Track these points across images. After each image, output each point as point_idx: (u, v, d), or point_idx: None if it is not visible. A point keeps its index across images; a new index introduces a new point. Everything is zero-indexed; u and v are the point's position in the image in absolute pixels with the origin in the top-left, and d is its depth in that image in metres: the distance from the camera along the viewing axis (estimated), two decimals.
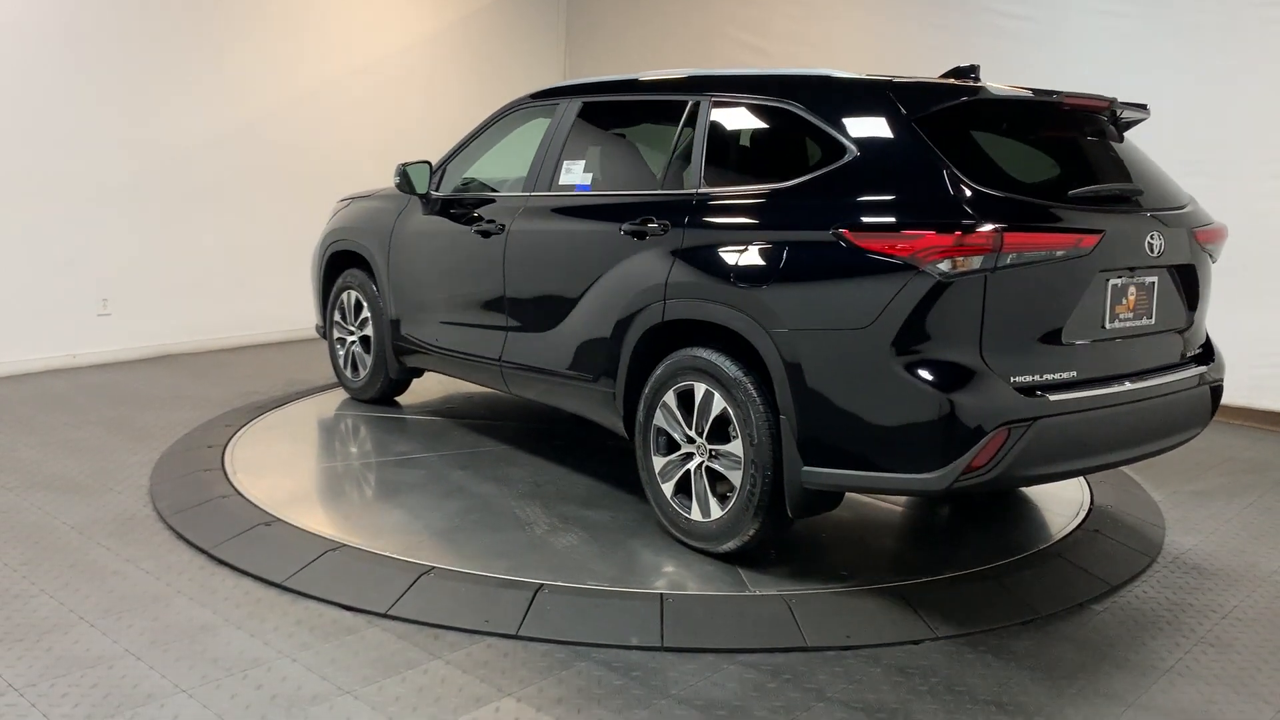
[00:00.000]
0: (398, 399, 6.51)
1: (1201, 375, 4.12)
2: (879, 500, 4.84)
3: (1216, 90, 6.73)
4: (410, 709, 3.02)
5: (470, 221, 5.34)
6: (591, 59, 10.32)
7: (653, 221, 4.30)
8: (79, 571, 3.92)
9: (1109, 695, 3.23)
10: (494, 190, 5.51)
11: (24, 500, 4.68)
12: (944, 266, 3.39)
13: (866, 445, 3.63)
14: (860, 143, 3.77)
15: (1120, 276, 3.74)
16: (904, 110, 3.72)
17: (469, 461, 5.35)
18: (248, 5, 8.20)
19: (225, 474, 4.95)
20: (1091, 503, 4.91)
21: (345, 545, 4.09)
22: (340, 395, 6.69)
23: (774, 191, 3.96)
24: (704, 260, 4.08)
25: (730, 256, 3.97)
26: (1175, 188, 4.24)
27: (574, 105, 5.03)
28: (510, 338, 5.14)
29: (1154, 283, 3.89)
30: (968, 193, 3.50)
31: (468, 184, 5.66)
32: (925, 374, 3.47)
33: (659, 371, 4.24)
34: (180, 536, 4.27)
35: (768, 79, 4.27)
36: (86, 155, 7.36)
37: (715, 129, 4.30)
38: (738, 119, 4.29)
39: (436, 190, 5.73)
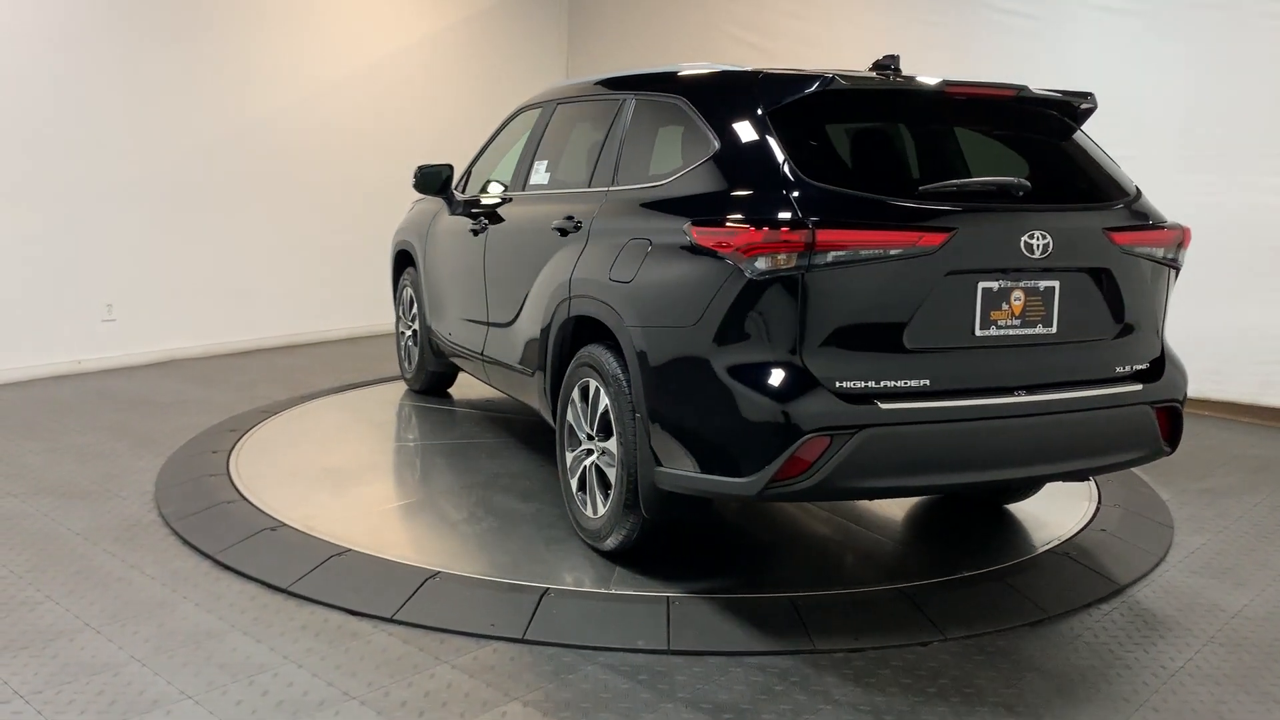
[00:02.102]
0: (450, 391, 6.77)
1: (1138, 394, 3.74)
2: (884, 501, 4.83)
3: (1219, 87, 6.71)
4: (417, 714, 3.01)
5: (473, 220, 5.56)
6: (593, 60, 10.32)
7: (571, 219, 4.39)
8: (84, 578, 3.92)
9: (1118, 696, 3.21)
10: (499, 191, 5.63)
11: (29, 506, 4.68)
12: (760, 264, 3.29)
13: (697, 446, 3.56)
14: (722, 137, 3.74)
15: (995, 279, 3.46)
16: (760, 103, 3.64)
17: (455, 451, 5.47)
18: (250, 9, 8.20)
19: (230, 479, 4.94)
20: (1099, 502, 4.89)
21: (351, 550, 4.09)
22: (345, 397, 6.74)
23: (656, 187, 3.98)
24: (596, 256, 4.12)
25: (612, 252, 3.99)
26: (1110, 185, 3.90)
27: (551, 106, 5.21)
28: (489, 332, 5.33)
29: (1053, 288, 3.57)
30: (799, 188, 3.39)
31: (487, 185, 5.78)
32: (738, 374, 3.38)
33: (570, 366, 4.28)
34: (186, 542, 4.27)
35: (668, 76, 4.28)
36: (89, 160, 7.36)
37: (630, 127, 4.35)
38: (647, 116, 4.31)
39: (462, 192, 5.94)
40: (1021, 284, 3.52)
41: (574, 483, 4.24)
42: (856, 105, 3.83)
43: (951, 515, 4.78)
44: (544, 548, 4.22)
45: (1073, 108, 4.02)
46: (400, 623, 3.58)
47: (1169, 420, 3.86)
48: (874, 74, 3.89)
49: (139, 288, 7.73)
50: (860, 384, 3.34)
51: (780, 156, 3.48)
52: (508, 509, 4.64)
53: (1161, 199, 7.06)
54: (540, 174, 5.10)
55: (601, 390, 3.99)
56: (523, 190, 5.18)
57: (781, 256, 3.26)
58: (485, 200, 5.57)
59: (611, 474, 3.95)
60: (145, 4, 7.56)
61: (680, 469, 3.59)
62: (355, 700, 3.08)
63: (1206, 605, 3.92)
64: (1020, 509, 4.71)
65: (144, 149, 7.66)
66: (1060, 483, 4.36)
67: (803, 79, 3.65)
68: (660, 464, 3.66)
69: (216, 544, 4.20)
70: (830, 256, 3.26)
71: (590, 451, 4.13)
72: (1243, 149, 6.64)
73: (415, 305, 6.54)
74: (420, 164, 6.03)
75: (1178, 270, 3.93)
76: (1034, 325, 3.56)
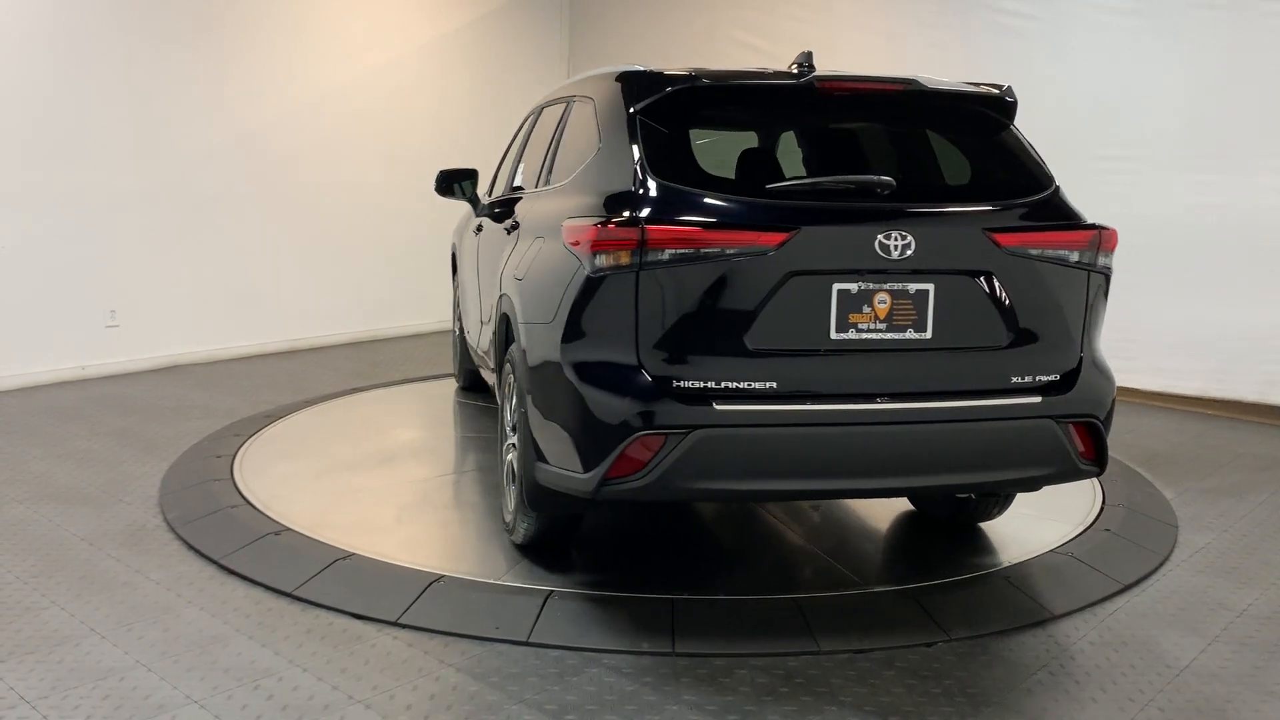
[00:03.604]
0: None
1: (1036, 406, 3.50)
2: (888, 502, 4.83)
3: (1222, 86, 6.71)
4: (421, 717, 3.01)
5: (479, 222, 5.74)
6: (594, 64, 10.34)
7: (514, 218, 4.53)
8: (89, 583, 3.93)
9: (1124, 696, 3.21)
10: (498, 194, 5.74)
11: (34, 512, 4.68)
12: (599, 261, 3.30)
13: (556, 442, 3.57)
14: (601, 135, 3.80)
15: (852, 281, 3.33)
16: (630, 102, 3.66)
17: (464, 445, 5.64)
18: (253, 15, 8.22)
19: (235, 483, 4.96)
20: (1103, 502, 4.88)
21: (355, 554, 4.09)
22: (348, 401, 6.76)
23: (562, 186, 4.06)
24: (518, 254, 4.22)
25: (524, 251, 4.10)
26: (1014, 183, 3.69)
27: (539, 110, 5.36)
28: (481, 330, 5.49)
29: (926, 291, 3.39)
30: (642, 185, 3.41)
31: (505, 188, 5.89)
32: (580, 371, 3.40)
33: (504, 363, 4.37)
34: (190, 547, 4.27)
35: (591, 77, 4.32)
36: (93, 166, 7.38)
37: (567, 127, 4.42)
38: (575, 118, 4.35)
39: (488, 195, 6.06)
40: (886, 286, 3.36)
41: (504, 478, 4.32)
42: (725, 103, 3.84)
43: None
44: (550, 551, 4.21)
45: (990, 100, 3.86)
46: (405, 626, 3.58)
47: (1088, 437, 3.60)
48: (759, 69, 3.90)
49: (142, 293, 7.74)
50: (698, 384, 3.30)
51: (635, 154, 3.52)
52: (471, 502, 4.68)
53: (1163, 199, 7.11)
54: (519, 176, 5.26)
55: (516, 386, 4.06)
56: (509, 193, 5.32)
57: (621, 254, 3.27)
58: (487, 202, 5.69)
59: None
60: (148, 9, 7.58)
61: (550, 464, 3.61)
62: (360, 704, 3.08)
63: (1211, 604, 3.91)
64: (1023, 510, 4.69)
65: (146, 155, 7.67)
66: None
67: (668, 77, 3.66)
68: (541, 459, 3.67)
69: (221, 548, 4.20)
70: (667, 254, 3.25)
71: (513, 446, 4.16)
72: (1245, 148, 6.64)
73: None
74: (443, 168, 6.05)
75: (1105, 275, 3.65)
76: (903, 330, 3.39)
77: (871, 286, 3.36)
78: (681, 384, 3.29)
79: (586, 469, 3.36)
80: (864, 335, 3.37)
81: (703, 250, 3.26)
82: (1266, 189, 6.56)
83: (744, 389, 3.31)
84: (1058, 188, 3.74)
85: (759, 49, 9.04)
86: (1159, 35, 6.92)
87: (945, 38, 7.90)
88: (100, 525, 4.52)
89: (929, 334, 3.41)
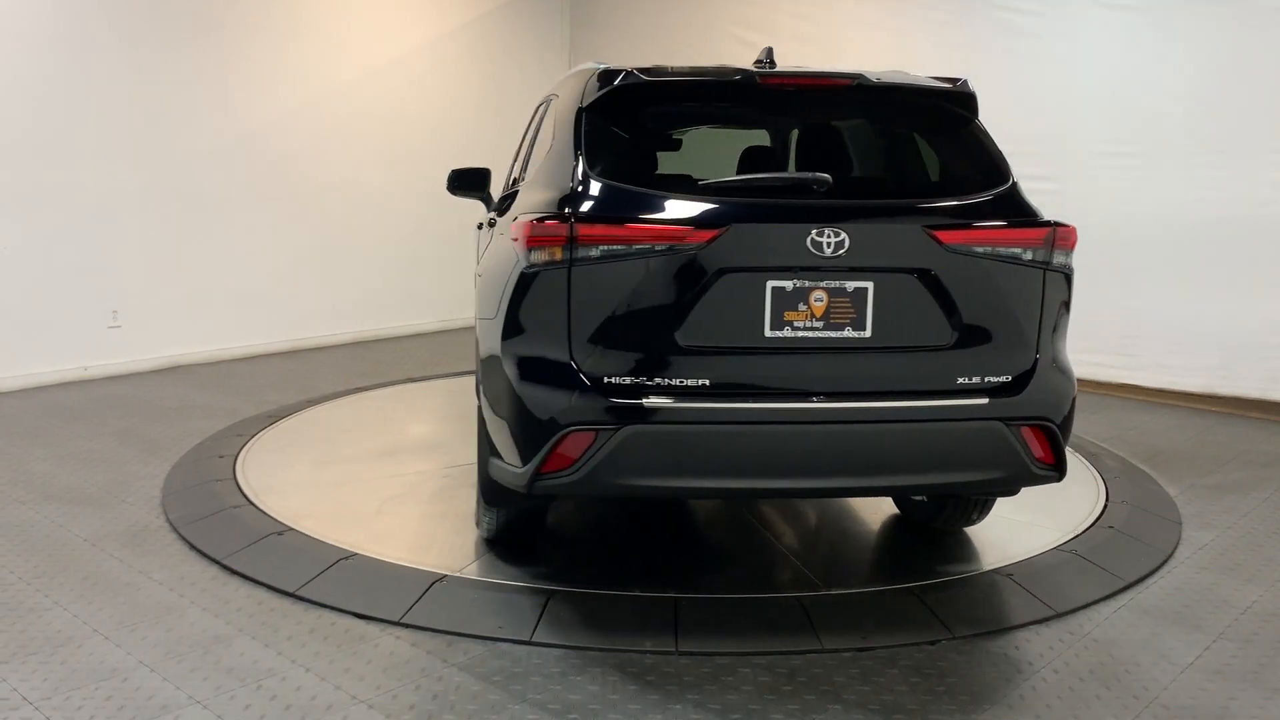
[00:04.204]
0: None
1: (983, 408, 3.39)
2: (888, 501, 4.82)
3: (1225, 82, 6.70)
4: (425, 717, 3.01)
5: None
6: (595, 60, 10.34)
7: (491, 215, 4.58)
8: (92, 584, 3.93)
9: (1128, 694, 3.21)
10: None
11: (37, 513, 4.68)
12: (534, 257, 3.31)
13: (501, 437, 3.57)
14: (555, 133, 3.82)
15: (787, 279, 3.28)
16: (580, 99, 3.67)
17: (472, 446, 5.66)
18: (253, 15, 8.22)
19: (237, 484, 4.96)
20: (1106, 499, 4.87)
21: (358, 553, 4.10)
22: (351, 401, 6.76)
23: (529, 181, 4.07)
24: (488, 250, 4.25)
25: (491, 246, 4.16)
26: (965, 179, 3.62)
27: (536, 106, 5.35)
28: None
29: (865, 290, 3.32)
30: (579, 182, 3.43)
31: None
32: (516, 367, 3.42)
33: None
34: (193, 547, 4.28)
35: (565, 77, 4.32)
36: (95, 167, 7.38)
37: (541, 126, 4.44)
38: (547, 115, 4.37)
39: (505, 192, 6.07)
40: (823, 284, 3.30)
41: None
42: (669, 100, 3.83)
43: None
44: (553, 550, 4.21)
45: (943, 94, 3.77)
46: (408, 626, 3.58)
47: (1044, 440, 3.48)
48: (715, 66, 3.88)
49: (144, 294, 7.74)
50: (629, 380, 3.28)
51: (576, 150, 3.53)
52: (448, 495, 4.69)
53: (1167, 194, 7.09)
54: (514, 172, 5.29)
55: None
56: (507, 190, 5.33)
57: (554, 250, 3.27)
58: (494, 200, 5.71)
59: None
60: (149, 9, 7.57)
61: (499, 459, 3.60)
62: (363, 704, 3.08)
63: (1215, 601, 3.90)
64: (1024, 508, 4.68)
65: (148, 155, 7.67)
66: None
67: (612, 74, 3.64)
68: (494, 454, 3.66)
69: (224, 549, 4.21)
70: (598, 251, 3.25)
71: None
72: (1248, 144, 6.63)
73: None
74: (454, 168, 6.01)
75: (1064, 274, 3.51)
76: (841, 328, 3.33)
77: (807, 284, 3.30)
78: (613, 380, 3.28)
79: (523, 463, 3.37)
80: (800, 333, 3.32)
81: (633, 247, 3.26)
82: (1270, 184, 6.55)
83: (676, 386, 3.29)
84: (1015, 183, 3.64)
85: (756, 44, 8.99)
86: (1162, 30, 6.91)
87: (947, 33, 7.89)
88: (103, 526, 4.52)
89: (868, 332, 3.35)
